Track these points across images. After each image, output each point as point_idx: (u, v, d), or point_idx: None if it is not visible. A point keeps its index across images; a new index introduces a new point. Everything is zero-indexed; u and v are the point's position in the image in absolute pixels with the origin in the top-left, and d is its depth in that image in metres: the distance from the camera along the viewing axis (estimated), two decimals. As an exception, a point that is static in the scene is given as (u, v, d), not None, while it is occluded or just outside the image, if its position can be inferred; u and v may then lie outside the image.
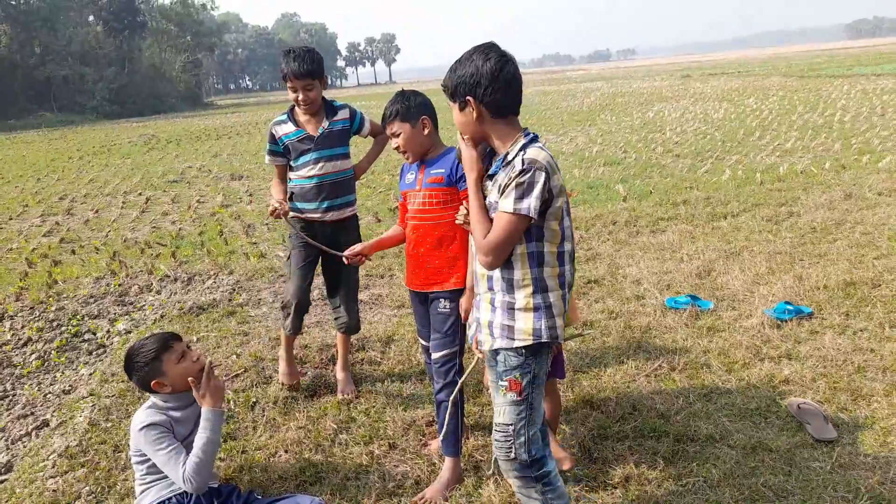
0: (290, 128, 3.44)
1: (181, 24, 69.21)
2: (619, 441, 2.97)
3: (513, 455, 2.10)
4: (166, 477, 2.42)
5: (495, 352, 2.13)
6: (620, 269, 5.32)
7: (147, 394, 2.57)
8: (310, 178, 3.42)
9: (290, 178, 3.53)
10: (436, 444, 3.00)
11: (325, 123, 3.43)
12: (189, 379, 2.46)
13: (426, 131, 2.77)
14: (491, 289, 2.12)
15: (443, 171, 2.73)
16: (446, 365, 2.74)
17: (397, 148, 2.80)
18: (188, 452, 2.42)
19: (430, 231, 2.77)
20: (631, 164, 10.19)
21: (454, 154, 2.73)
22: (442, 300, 2.76)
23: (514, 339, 2.06)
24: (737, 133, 12.60)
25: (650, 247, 5.86)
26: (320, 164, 3.42)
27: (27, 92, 47.41)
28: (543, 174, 1.94)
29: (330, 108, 3.48)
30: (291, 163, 3.47)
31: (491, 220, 2.04)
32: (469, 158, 2.14)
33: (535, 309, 2.04)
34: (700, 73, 39.59)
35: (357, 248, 3.04)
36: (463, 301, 2.71)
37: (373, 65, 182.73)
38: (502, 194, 1.98)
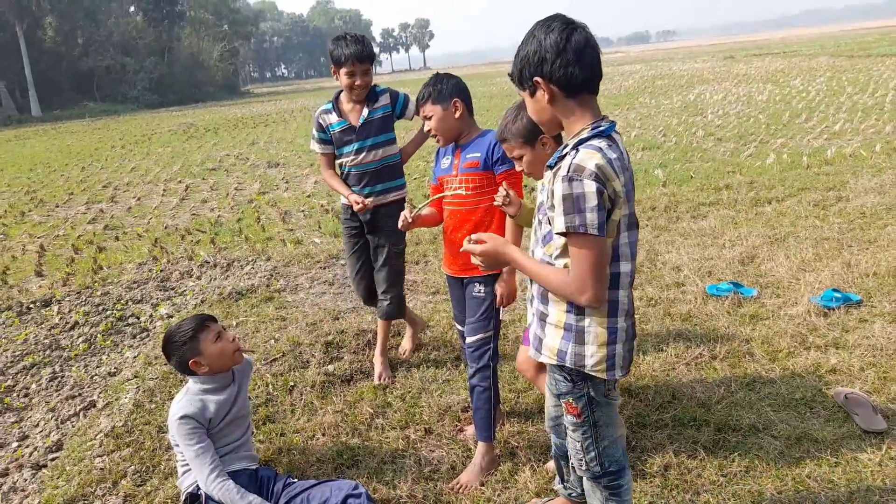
0: (334, 118, 3.47)
1: (218, 13, 70.05)
2: (658, 430, 2.92)
3: (584, 467, 2.03)
4: None
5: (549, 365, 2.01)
6: (660, 256, 5.22)
7: (186, 377, 2.62)
8: (347, 167, 3.48)
9: (337, 165, 3.61)
10: (471, 430, 2.99)
11: (365, 112, 3.44)
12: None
13: (458, 114, 2.74)
14: (530, 290, 1.99)
15: (478, 155, 2.71)
16: (480, 349, 2.74)
17: (429, 131, 2.79)
18: (221, 445, 2.47)
19: (467, 216, 2.76)
20: (671, 149, 9.96)
21: (489, 137, 2.73)
22: (477, 284, 2.76)
23: (540, 353, 1.95)
24: (782, 116, 12.21)
25: (691, 233, 5.73)
26: (362, 154, 3.45)
27: (71, 82, 48.71)
28: (593, 183, 1.66)
29: (371, 95, 3.46)
30: (336, 151, 3.53)
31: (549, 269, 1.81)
32: (493, 251, 1.94)
33: (566, 329, 1.85)
34: (744, 55, 38.43)
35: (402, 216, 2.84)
36: (498, 287, 2.69)
37: (407, 51, 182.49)
38: (551, 206, 1.76)
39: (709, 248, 5.27)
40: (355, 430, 3.12)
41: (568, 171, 1.69)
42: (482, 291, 2.75)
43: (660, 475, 2.63)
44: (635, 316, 1.93)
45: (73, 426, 3.45)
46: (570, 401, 1.95)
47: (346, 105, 3.47)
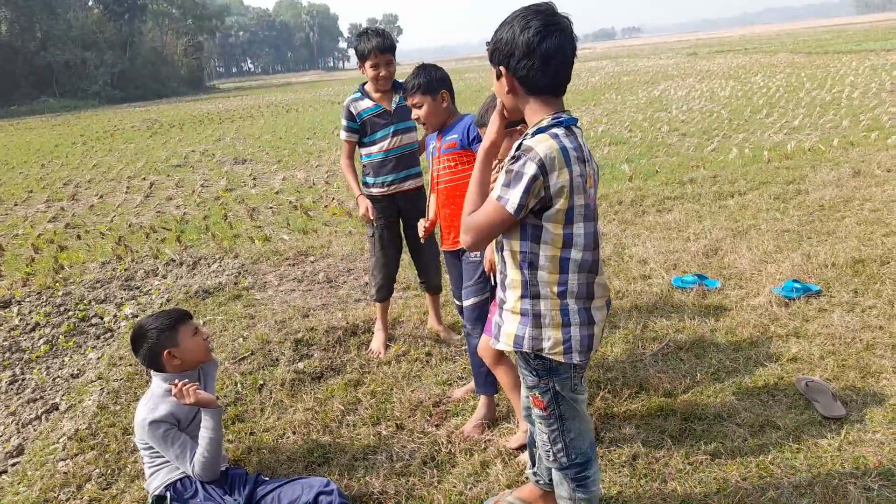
0: (367, 103, 3.58)
1: (182, 7, 68.70)
2: (626, 420, 2.96)
3: (552, 458, 2.08)
4: None
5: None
6: (627, 249, 5.29)
7: (150, 374, 2.56)
8: (383, 152, 3.59)
9: (361, 155, 3.70)
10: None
11: (397, 98, 3.58)
12: (173, 392, 2.38)
13: (444, 104, 2.99)
14: (496, 280, 2.07)
15: (456, 136, 2.94)
16: (476, 311, 2.94)
17: (417, 118, 3.02)
18: (195, 440, 2.43)
19: (453, 192, 2.97)
20: (636, 144, 10.10)
21: (466, 119, 2.96)
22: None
23: (498, 341, 1.98)
24: (744, 111, 12.47)
25: (656, 226, 5.83)
26: (397, 137, 3.58)
27: (29, 77, 47.20)
28: (535, 167, 1.71)
29: (398, 85, 3.58)
30: (364, 139, 3.62)
31: (485, 198, 1.86)
32: (491, 125, 1.93)
33: (522, 314, 1.89)
34: (706, 51, 39.12)
35: (421, 225, 3.21)
36: (487, 251, 2.81)
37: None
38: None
39: (674, 241, 5.36)
40: (326, 428, 3.10)
41: (518, 149, 1.77)
42: (477, 256, 2.94)
43: (628, 465, 2.67)
44: (601, 306, 1.94)
45: (34, 430, 3.36)
46: (537, 394, 2.00)
47: (374, 94, 3.60)
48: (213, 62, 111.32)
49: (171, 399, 2.44)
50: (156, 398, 2.46)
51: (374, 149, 3.60)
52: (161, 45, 58.80)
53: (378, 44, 3.41)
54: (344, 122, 3.63)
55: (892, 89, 13.46)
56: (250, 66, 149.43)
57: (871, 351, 3.38)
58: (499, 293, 1.99)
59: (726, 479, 2.53)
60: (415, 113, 3.01)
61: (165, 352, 2.43)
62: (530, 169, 1.73)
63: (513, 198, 1.74)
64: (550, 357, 1.89)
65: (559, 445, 2.04)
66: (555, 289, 1.85)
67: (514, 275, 1.89)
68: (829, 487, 2.42)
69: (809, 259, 4.62)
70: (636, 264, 4.93)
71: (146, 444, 2.46)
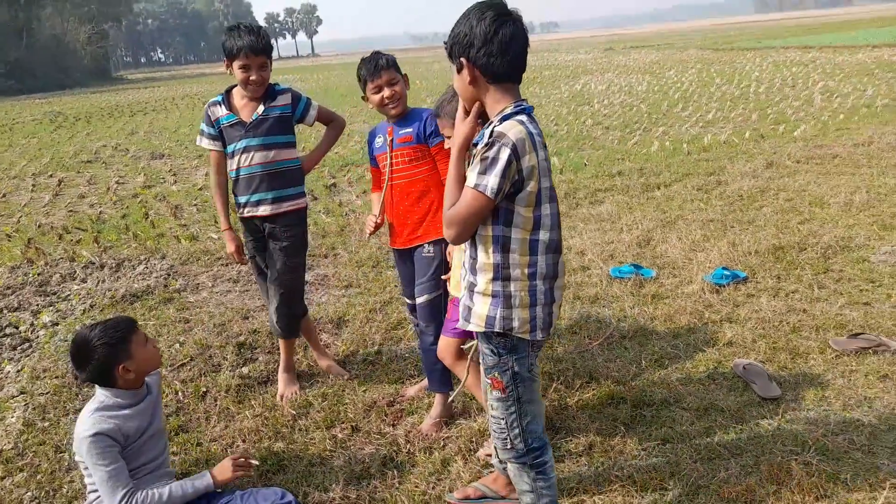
0: (223, 111, 3.15)
1: (84, -8, 64.70)
2: (579, 410, 3.03)
3: (509, 445, 2.10)
4: None
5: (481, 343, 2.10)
6: (565, 241, 5.39)
7: (93, 390, 2.39)
8: (234, 170, 3.17)
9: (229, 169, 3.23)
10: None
11: (260, 109, 3.11)
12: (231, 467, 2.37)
13: (408, 87, 2.93)
14: (463, 265, 2.07)
15: (411, 130, 2.87)
16: (430, 308, 2.89)
17: (392, 96, 2.83)
18: (134, 469, 2.29)
19: (407, 188, 2.91)
20: (563, 137, 10.33)
21: (425, 113, 2.88)
22: (426, 246, 2.90)
23: (469, 322, 2.02)
24: (661, 105, 12.98)
25: (590, 218, 5.98)
26: (251, 154, 3.10)
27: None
28: (508, 151, 1.79)
29: (269, 93, 3.14)
30: (225, 150, 3.19)
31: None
32: (458, 121, 2.01)
33: (493, 296, 1.94)
34: (622, 46, 40.51)
35: (370, 222, 3.03)
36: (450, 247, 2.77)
37: (293, 37, 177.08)
38: (471, 166, 1.91)
39: (608, 233, 5.52)
40: (278, 434, 3.00)
41: (490, 136, 1.83)
42: (431, 251, 2.88)
43: (585, 454, 2.73)
44: (562, 285, 2.06)
45: (-50, 454, 3.07)
46: (496, 375, 2.04)
47: (238, 100, 3.15)
48: (120, 51, 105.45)
49: (120, 413, 2.28)
50: (104, 410, 2.27)
51: (230, 165, 3.17)
52: (62, 32, 55.15)
53: (250, 43, 2.95)
54: (204, 129, 3.19)
55: (793, 84, 14.37)
56: (161, 56, 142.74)
57: (798, 333, 3.60)
58: (468, 277, 2.02)
59: (678, 462, 2.62)
60: (387, 91, 2.80)
61: (119, 366, 2.26)
62: (504, 154, 1.80)
63: (490, 182, 1.81)
64: (517, 336, 1.97)
65: (516, 431, 2.07)
66: (526, 270, 1.93)
67: (485, 258, 1.94)
68: (773, 465, 2.55)
69: (734, 247, 4.86)
70: (575, 255, 5.04)
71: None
